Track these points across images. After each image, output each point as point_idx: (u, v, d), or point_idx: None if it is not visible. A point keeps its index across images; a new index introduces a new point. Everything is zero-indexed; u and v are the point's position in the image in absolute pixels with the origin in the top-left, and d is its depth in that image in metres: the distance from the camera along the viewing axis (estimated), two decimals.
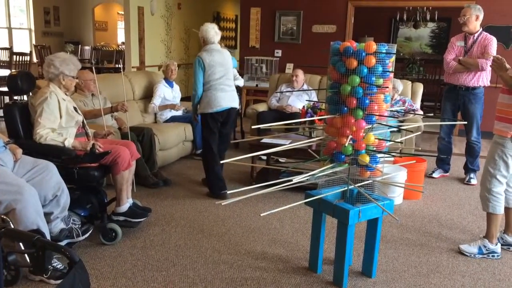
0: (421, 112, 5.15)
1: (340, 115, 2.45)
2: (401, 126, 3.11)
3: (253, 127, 2.61)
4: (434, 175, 4.82)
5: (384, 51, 2.39)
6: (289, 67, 7.79)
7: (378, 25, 10.75)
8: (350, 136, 2.40)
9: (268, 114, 5.49)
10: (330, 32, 7.68)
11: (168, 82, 5.28)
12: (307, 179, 2.42)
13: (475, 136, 4.58)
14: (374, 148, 2.48)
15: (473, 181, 4.64)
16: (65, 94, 3.09)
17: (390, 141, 2.66)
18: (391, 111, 2.72)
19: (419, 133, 4.55)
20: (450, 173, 4.92)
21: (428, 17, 8.82)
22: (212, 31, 3.97)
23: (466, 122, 4.26)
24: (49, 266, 2.49)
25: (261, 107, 5.78)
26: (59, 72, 3.00)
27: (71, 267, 1.22)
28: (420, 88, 5.61)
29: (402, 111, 4.97)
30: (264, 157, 4.61)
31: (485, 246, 3.02)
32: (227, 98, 3.95)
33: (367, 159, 2.43)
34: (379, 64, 2.39)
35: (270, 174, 4.38)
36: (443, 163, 4.88)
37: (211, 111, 3.92)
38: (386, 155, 2.59)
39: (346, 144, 2.40)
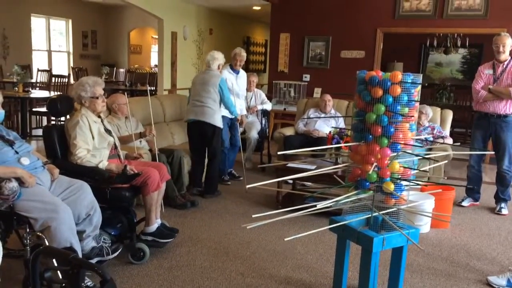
0: (451, 140, 5.09)
1: (365, 143, 2.48)
2: (427, 154, 3.09)
3: (279, 152, 2.67)
4: (464, 203, 4.73)
5: (409, 80, 2.42)
6: (317, 91, 7.86)
7: (408, 51, 10.66)
8: (375, 164, 2.43)
9: (295, 138, 5.54)
10: (359, 58, 7.72)
11: (232, 69, 5.29)
12: (331, 205, 2.45)
13: (507, 165, 4.49)
14: (399, 176, 2.49)
15: (504, 211, 4.53)
16: (98, 116, 3.23)
17: (415, 169, 2.66)
18: (419, 139, 2.73)
19: (446, 161, 4.50)
20: (480, 202, 4.82)
21: (459, 43, 8.75)
22: (209, 57, 4.68)
23: (495, 152, 4.20)
24: (83, 284, 2.58)
25: (288, 131, 5.84)
26: (77, 95, 3.14)
27: (103, 285, 1.29)
28: (449, 115, 5.56)
29: (431, 138, 4.92)
30: (290, 181, 4.64)
31: None
32: (193, 112, 4.59)
33: (391, 186, 2.45)
34: (404, 93, 2.42)
35: (295, 198, 4.40)
36: (473, 191, 4.78)
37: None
38: (411, 183, 2.59)
39: (371, 172, 2.42)
